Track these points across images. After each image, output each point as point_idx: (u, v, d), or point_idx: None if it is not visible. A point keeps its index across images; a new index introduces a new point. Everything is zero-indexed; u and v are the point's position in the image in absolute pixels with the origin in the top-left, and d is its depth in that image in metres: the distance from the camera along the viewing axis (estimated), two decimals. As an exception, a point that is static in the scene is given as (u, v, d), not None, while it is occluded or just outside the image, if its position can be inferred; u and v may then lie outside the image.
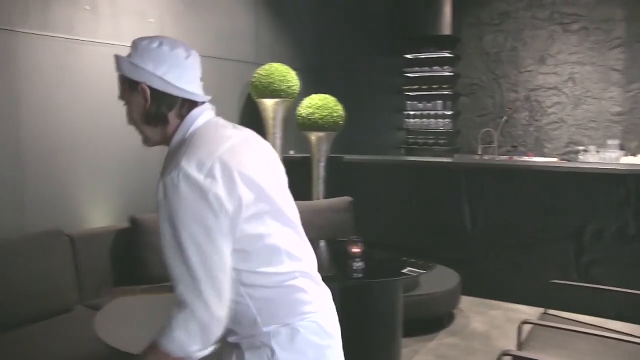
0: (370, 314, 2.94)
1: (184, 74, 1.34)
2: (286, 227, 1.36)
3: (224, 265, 1.22)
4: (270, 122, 4.61)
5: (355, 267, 2.88)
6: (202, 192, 1.19)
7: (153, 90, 1.31)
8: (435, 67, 7.35)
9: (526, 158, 5.76)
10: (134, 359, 1.34)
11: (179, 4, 4.19)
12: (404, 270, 3.32)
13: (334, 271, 3.17)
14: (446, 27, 6.96)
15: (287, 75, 4.55)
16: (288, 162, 4.86)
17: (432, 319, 3.81)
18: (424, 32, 7.08)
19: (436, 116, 7.37)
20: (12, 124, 3.20)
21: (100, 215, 3.69)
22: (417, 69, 7.44)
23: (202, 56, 4.73)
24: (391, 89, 7.43)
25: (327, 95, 4.71)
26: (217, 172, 1.22)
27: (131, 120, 1.38)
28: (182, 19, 4.22)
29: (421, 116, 7.46)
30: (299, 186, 4.94)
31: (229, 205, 1.22)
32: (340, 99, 4.80)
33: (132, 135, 3.98)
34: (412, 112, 7.53)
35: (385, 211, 4.81)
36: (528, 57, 6.86)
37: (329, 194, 4.77)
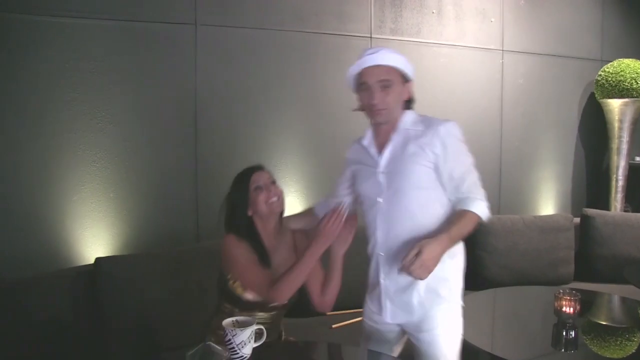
0: None
1: None
2: None
3: None
4: (615, 124, 4.15)
5: None
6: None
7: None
8: None
9: None
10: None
11: (520, -1, 4.08)
12: None
13: None
14: None
15: (640, 72, 4.05)
16: (632, 170, 4.37)
17: None
18: None
19: None
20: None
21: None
22: None
23: (542, 54, 4.46)
24: None
25: (689, 96, 4.03)
26: None
27: (389, 99, 1.86)
28: (522, 16, 4.10)
29: None
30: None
31: None
32: None
33: (472, 135, 3.72)
34: None
35: None
36: None
37: (683, 210, 4.09)
